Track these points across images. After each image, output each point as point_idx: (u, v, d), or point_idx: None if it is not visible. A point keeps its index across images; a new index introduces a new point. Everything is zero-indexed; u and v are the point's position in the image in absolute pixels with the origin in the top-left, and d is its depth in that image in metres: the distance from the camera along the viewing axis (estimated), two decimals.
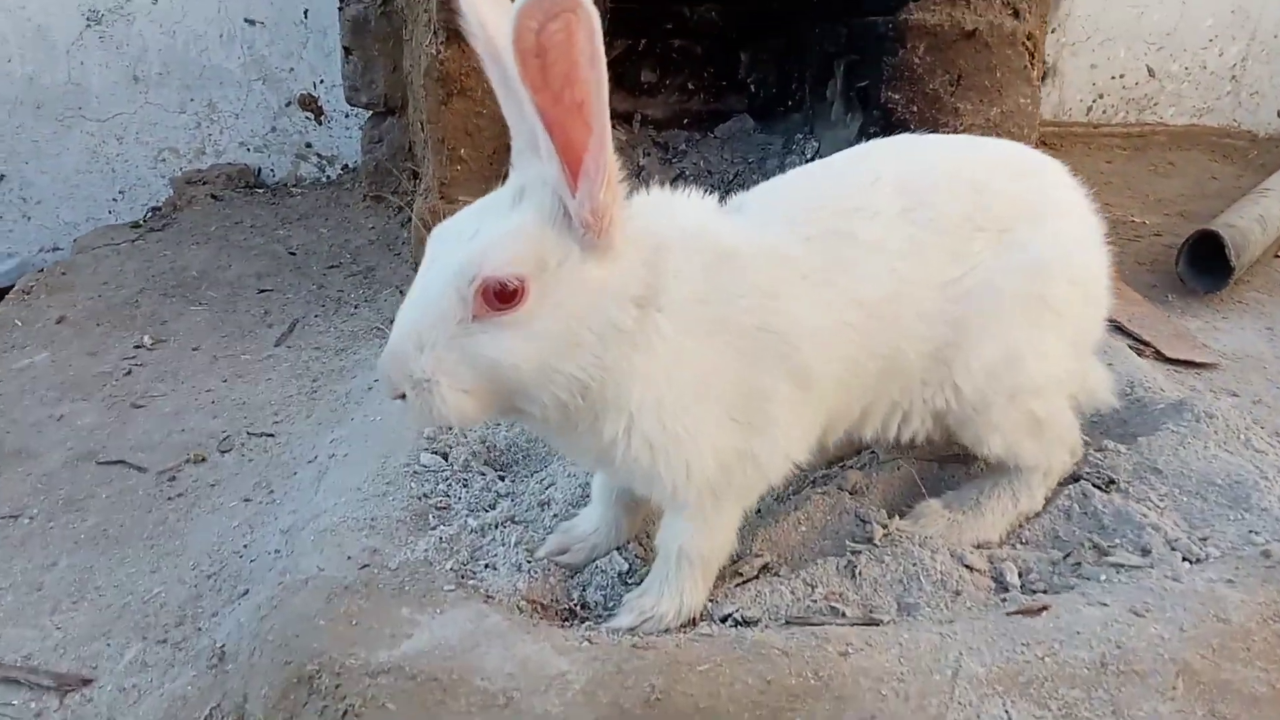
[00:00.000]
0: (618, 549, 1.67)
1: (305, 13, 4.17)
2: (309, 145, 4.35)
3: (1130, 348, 2.41)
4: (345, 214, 3.84)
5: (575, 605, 1.59)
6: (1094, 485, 1.76)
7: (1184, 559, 1.55)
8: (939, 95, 2.63)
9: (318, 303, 3.07)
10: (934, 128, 2.57)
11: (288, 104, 4.28)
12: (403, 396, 1.27)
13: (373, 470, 1.87)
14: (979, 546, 1.67)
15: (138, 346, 2.79)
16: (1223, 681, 1.31)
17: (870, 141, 1.74)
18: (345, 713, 1.28)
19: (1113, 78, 4.50)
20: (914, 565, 1.60)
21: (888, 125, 2.61)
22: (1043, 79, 3.65)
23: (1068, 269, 1.61)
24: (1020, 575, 1.59)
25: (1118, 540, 1.63)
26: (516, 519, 1.76)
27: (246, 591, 1.72)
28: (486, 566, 1.63)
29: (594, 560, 1.66)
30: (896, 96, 2.65)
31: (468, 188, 2.69)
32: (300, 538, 1.72)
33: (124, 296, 3.12)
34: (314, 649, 1.36)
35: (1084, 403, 1.83)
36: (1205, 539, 1.60)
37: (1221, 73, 4.53)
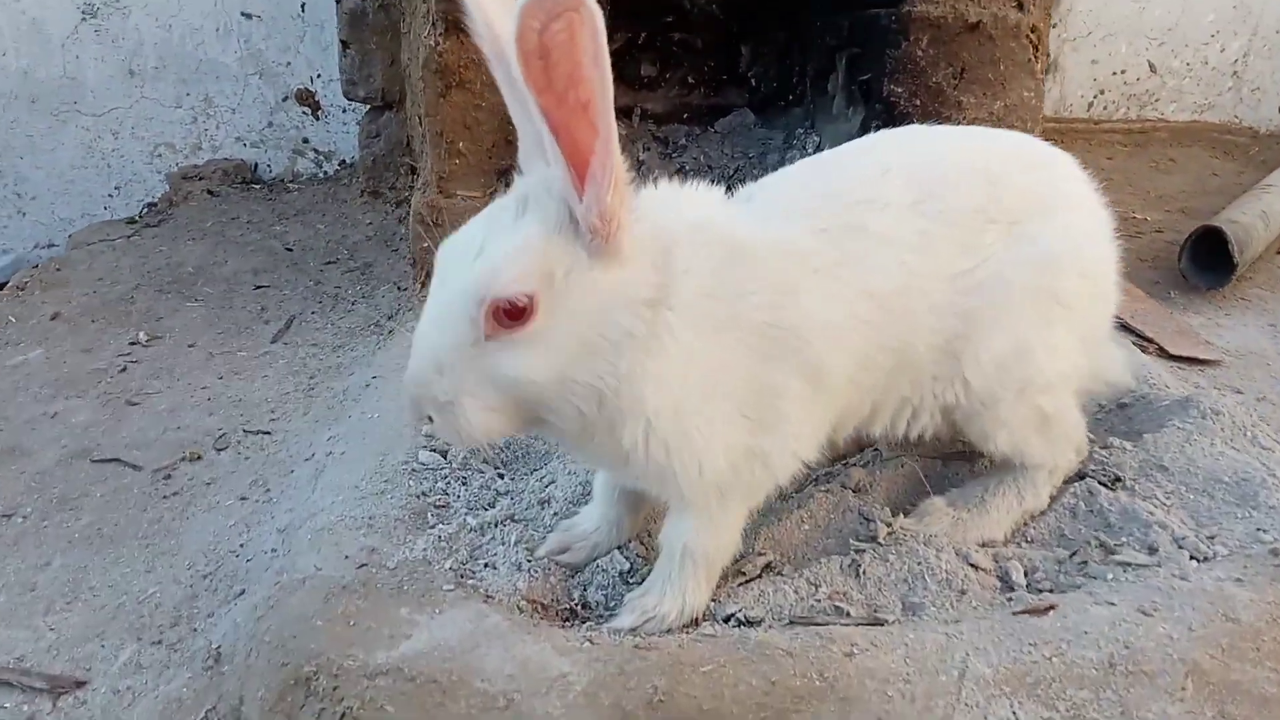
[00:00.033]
0: (619, 548, 1.65)
1: (302, 6, 4.15)
2: (306, 140, 4.32)
3: (1134, 344, 2.39)
4: (342, 209, 3.82)
5: (576, 605, 1.57)
6: (1100, 483, 1.74)
7: (1191, 557, 1.54)
8: (942, 88, 2.61)
9: (315, 299, 3.05)
10: (937, 121, 2.55)
11: (285, 99, 4.26)
12: (430, 419, 1.28)
13: (370, 468, 1.85)
14: (984, 545, 1.65)
15: (133, 343, 2.77)
16: (1232, 682, 1.29)
17: (879, 132, 1.72)
18: (343, 715, 1.26)
19: (1114, 73, 4.49)
20: (919, 564, 1.58)
21: (890, 119, 2.59)
22: (1046, 72, 3.62)
23: (1078, 262, 1.59)
24: (1026, 574, 1.58)
25: (1124, 538, 1.61)
26: (516, 517, 1.74)
27: (243, 591, 1.70)
28: (486, 566, 1.61)
29: (595, 559, 1.64)
30: (899, 90, 2.63)
31: (466, 181, 2.67)
32: (297, 537, 1.69)
33: (119, 293, 3.10)
34: (311, 650, 1.34)
35: (1100, 391, 1.82)
36: (1213, 537, 1.59)
37: (1223, 68, 4.51)
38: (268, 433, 2.28)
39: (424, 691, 1.27)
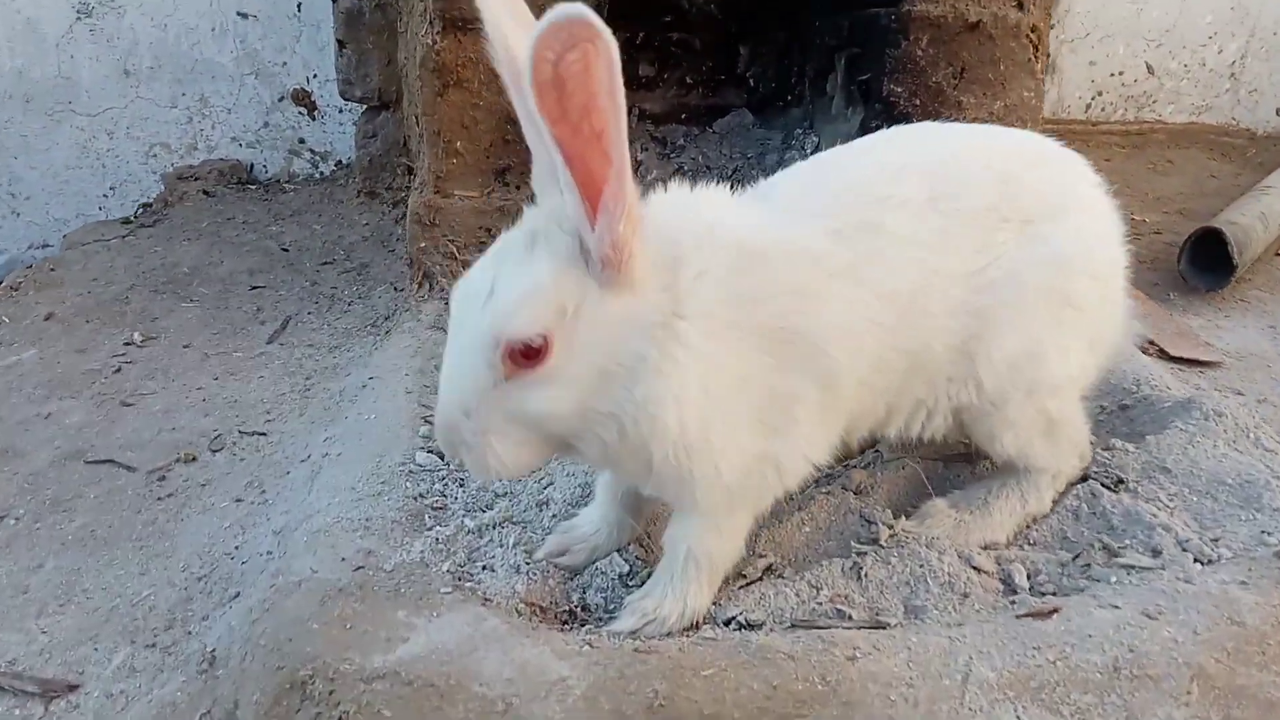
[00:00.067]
0: (618, 550, 1.64)
1: (299, 6, 4.13)
2: (302, 141, 4.30)
3: (1134, 345, 2.38)
4: (339, 210, 3.80)
5: (575, 607, 1.56)
6: (1102, 485, 1.73)
7: (1195, 560, 1.53)
8: (942, 88, 2.60)
9: (311, 299, 3.03)
10: (937, 121, 2.54)
11: (281, 99, 4.24)
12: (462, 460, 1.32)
13: (367, 469, 1.83)
14: (986, 547, 1.64)
15: (127, 344, 2.75)
16: (1238, 686, 1.28)
17: (891, 128, 1.72)
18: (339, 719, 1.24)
19: (1111, 75, 4.48)
20: (920, 566, 1.57)
21: (890, 118, 2.58)
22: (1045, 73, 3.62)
23: (1090, 264, 1.59)
24: (1029, 577, 1.56)
25: (1128, 541, 1.60)
26: (515, 519, 1.72)
27: (238, 594, 1.68)
28: (484, 568, 1.59)
29: (594, 562, 1.62)
30: (899, 89, 2.62)
31: (464, 181, 2.65)
32: (293, 539, 1.68)
33: (114, 293, 3.08)
34: (307, 653, 1.33)
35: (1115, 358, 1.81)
36: (1217, 540, 1.58)
37: (1220, 70, 4.51)
38: (263, 434, 2.26)
39: (421, 696, 1.25)
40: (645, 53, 3.26)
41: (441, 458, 1.88)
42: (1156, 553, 1.55)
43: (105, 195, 4.22)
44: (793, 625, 1.46)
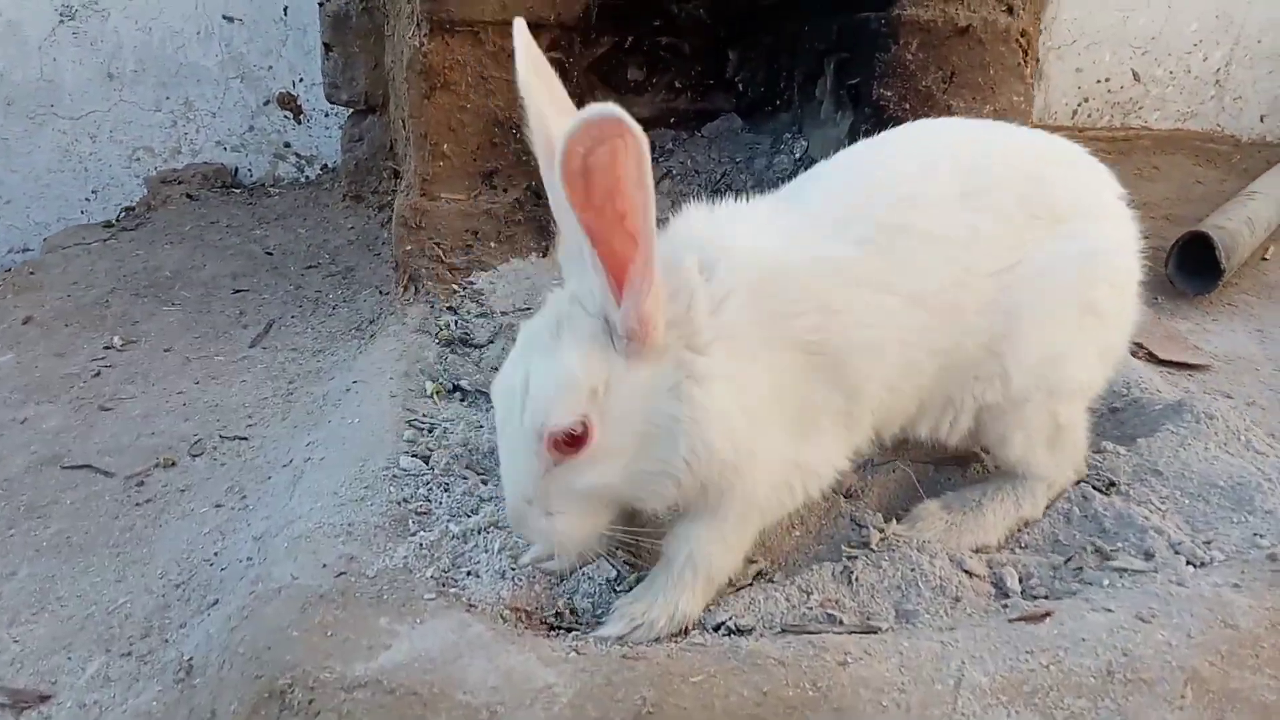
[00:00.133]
0: (605, 555, 1.61)
1: (285, 10, 4.10)
2: (288, 145, 4.27)
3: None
4: (324, 214, 3.77)
5: (564, 611, 1.53)
6: (1094, 488, 1.72)
7: (1188, 563, 1.52)
8: (931, 92, 2.60)
9: (295, 303, 2.99)
10: None
11: (266, 103, 4.21)
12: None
13: (350, 474, 1.80)
14: (978, 550, 1.63)
15: (107, 348, 2.70)
16: (1232, 689, 1.27)
17: (916, 123, 1.73)
18: None
19: (1098, 81, 4.50)
20: (912, 570, 1.55)
21: (879, 123, 2.57)
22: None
23: (1111, 272, 1.61)
24: (1021, 580, 1.55)
25: (1119, 544, 1.59)
26: (500, 524, 1.69)
27: (216, 601, 1.65)
28: (469, 574, 1.56)
29: (581, 567, 1.59)
30: (888, 93, 2.61)
31: (450, 184, 2.63)
32: (273, 545, 1.64)
33: (94, 297, 3.04)
34: (286, 661, 1.30)
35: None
36: (1209, 542, 1.57)
37: (1205, 77, 4.54)
38: (245, 438, 2.22)
39: (404, 704, 1.22)
40: (634, 57, 3.24)
41: (426, 461, 1.86)
42: (1149, 555, 1.54)
43: (87, 199, 4.17)
44: (783, 630, 1.44)
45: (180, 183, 4.04)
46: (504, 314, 2.49)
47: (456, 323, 2.48)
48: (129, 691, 1.49)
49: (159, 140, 4.16)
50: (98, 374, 2.55)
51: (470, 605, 1.47)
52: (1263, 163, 4.00)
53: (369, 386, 2.20)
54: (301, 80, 4.18)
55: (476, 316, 2.50)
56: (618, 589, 1.55)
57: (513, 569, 1.57)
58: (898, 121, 2.58)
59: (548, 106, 1.39)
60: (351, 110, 3.74)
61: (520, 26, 1.44)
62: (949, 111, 2.59)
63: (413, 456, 1.86)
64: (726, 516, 1.44)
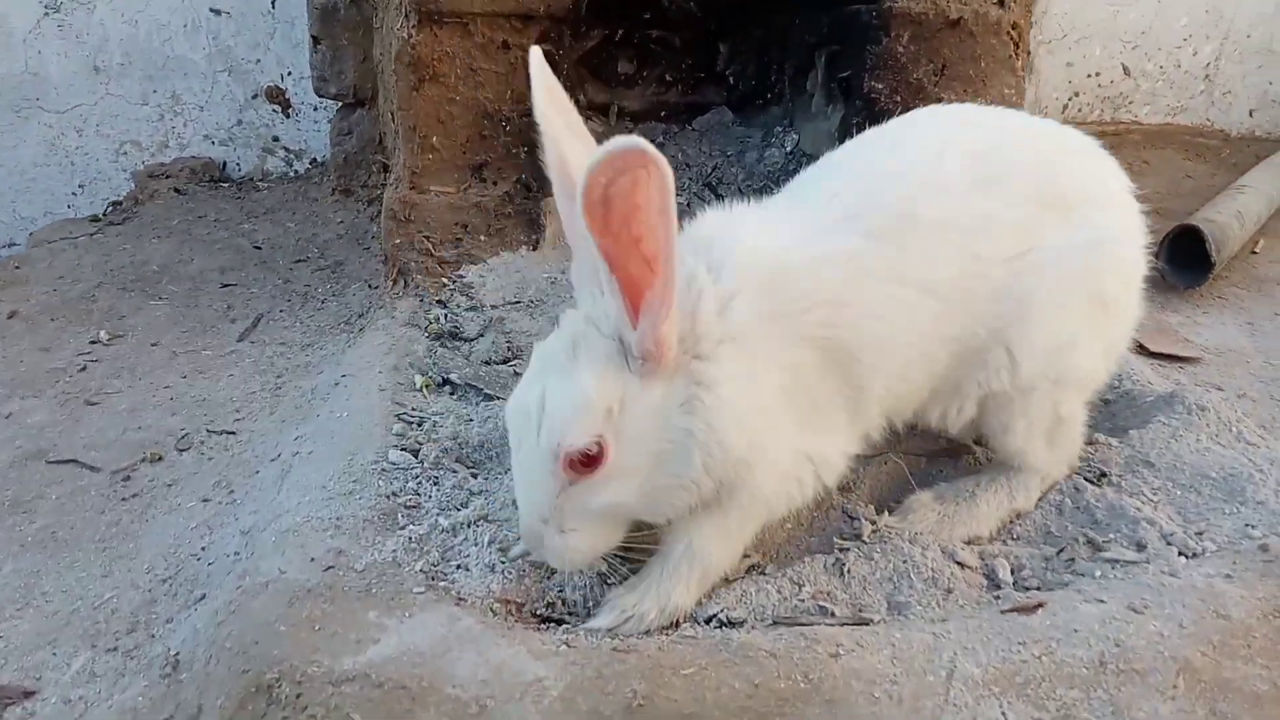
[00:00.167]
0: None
1: (273, 2, 4.07)
2: (276, 139, 4.24)
3: None
4: (313, 208, 3.74)
5: (555, 602, 1.52)
6: (1086, 479, 1.72)
7: (1180, 554, 1.52)
8: (923, 85, 2.59)
9: (283, 297, 2.97)
10: None
11: (254, 96, 4.18)
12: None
13: (339, 468, 1.79)
14: (970, 541, 1.62)
15: (93, 342, 2.68)
16: (1224, 680, 1.27)
17: (923, 109, 1.73)
18: None
19: (1088, 76, 4.51)
20: (904, 562, 1.54)
21: (870, 116, 2.56)
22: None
23: (1119, 264, 1.61)
24: (1013, 572, 1.55)
25: (1112, 535, 1.59)
26: (490, 517, 1.68)
27: (203, 596, 1.63)
28: (458, 567, 1.55)
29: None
30: (880, 86, 2.61)
31: (440, 177, 2.61)
32: (261, 539, 1.63)
33: (80, 291, 3.01)
34: (274, 656, 1.28)
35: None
36: (1201, 533, 1.57)
37: (1195, 72, 4.55)
38: (232, 433, 2.20)
39: (392, 698, 1.21)
40: (624, 50, 3.23)
41: (415, 455, 1.84)
42: (1141, 547, 1.54)
43: (74, 193, 4.14)
44: (775, 622, 1.43)
45: (168, 177, 4.01)
46: (494, 307, 2.47)
47: (446, 316, 2.46)
48: (115, 687, 1.47)
49: (146, 134, 4.13)
50: (84, 369, 2.53)
51: (460, 599, 1.46)
52: (1252, 157, 4.01)
53: (358, 380, 2.19)
54: (290, 73, 4.15)
55: (466, 310, 2.49)
56: (609, 582, 1.54)
57: (502, 562, 1.56)
58: (889, 114, 2.58)
59: (564, 134, 1.40)
60: (340, 103, 3.72)
61: (536, 55, 1.45)
62: (940, 104, 2.59)
63: (402, 450, 1.84)
64: (731, 510, 1.44)
